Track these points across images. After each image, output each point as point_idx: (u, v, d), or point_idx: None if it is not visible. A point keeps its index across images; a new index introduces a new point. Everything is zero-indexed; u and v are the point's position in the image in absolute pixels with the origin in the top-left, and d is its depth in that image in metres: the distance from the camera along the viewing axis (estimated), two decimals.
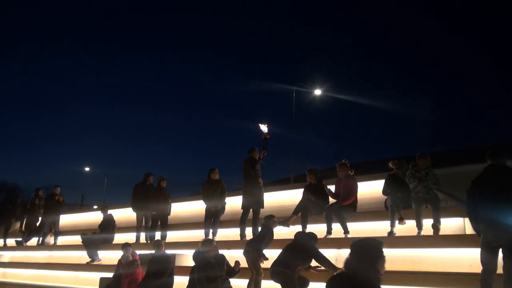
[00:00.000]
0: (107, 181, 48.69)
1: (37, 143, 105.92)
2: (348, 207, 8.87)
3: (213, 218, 10.89)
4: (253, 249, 7.73)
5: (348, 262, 3.11)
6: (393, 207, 8.17)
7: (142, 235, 12.57)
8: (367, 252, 3.10)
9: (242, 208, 10.24)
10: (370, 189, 9.84)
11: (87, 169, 51.37)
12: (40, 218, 15.77)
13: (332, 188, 9.37)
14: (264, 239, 7.86)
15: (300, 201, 9.38)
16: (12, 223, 17.17)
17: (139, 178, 12.83)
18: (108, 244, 12.99)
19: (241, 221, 10.21)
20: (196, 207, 13.27)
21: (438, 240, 7.33)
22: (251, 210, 10.20)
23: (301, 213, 9.23)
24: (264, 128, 10.37)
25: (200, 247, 7.90)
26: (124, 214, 14.56)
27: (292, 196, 10.91)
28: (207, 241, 8.06)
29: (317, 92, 28.00)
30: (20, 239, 16.16)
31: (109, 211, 13.77)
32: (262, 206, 10.13)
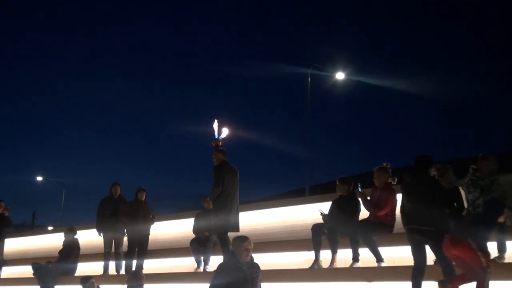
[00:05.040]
0: (65, 194, 48.43)
1: None
2: (380, 227, 8.88)
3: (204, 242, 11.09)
4: None
5: None
6: None
7: (112, 265, 12.58)
8: None
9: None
10: None
11: (39, 178, 50.56)
12: None
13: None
14: None
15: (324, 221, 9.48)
16: None
17: (105, 191, 12.94)
18: (69, 276, 12.98)
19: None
20: (182, 229, 13.16)
21: (500, 270, 7.24)
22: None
23: (329, 237, 9.22)
24: (220, 131, 10.66)
25: None
26: (89, 238, 14.41)
27: (307, 213, 10.89)
28: None
29: (339, 75, 27.73)
30: None
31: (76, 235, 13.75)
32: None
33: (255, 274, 7.35)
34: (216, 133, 10.68)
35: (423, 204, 7.62)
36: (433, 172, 8.54)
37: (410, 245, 7.72)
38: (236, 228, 10.15)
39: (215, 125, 10.71)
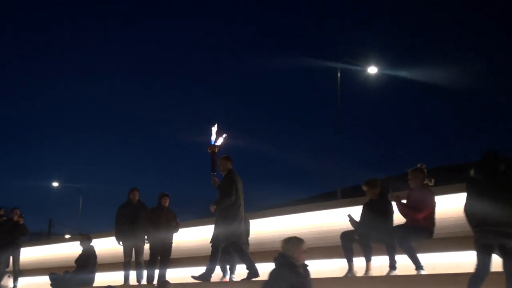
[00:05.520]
0: (82, 200, 48.32)
1: None
2: (419, 232, 8.76)
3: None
4: None
5: None
6: None
7: (132, 274, 12.53)
8: None
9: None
10: (453, 206, 9.37)
11: (55, 184, 50.16)
12: None
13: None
14: None
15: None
16: None
17: (123, 196, 12.88)
18: (87, 286, 12.97)
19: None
20: (207, 235, 12.46)
21: None
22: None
23: (361, 244, 9.09)
24: (217, 138, 10.61)
25: None
26: (108, 246, 14.42)
27: (339, 218, 10.63)
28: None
29: (372, 70, 27.21)
30: None
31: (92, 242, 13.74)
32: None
33: (309, 276, 7.05)
34: (213, 138, 10.63)
35: (499, 203, 7.23)
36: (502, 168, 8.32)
37: (477, 250, 7.26)
38: (246, 239, 10.39)
39: (214, 129, 10.68)
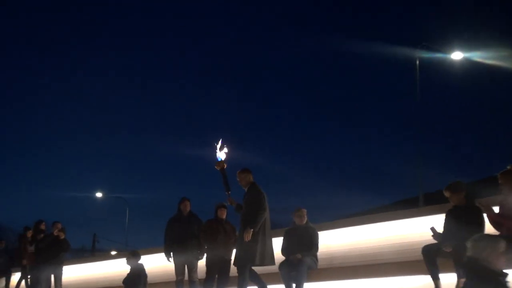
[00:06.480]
0: (129, 212, 48.14)
1: (20, 164, 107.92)
2: None
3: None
4: None
5: None
6: None
7: None
8: None
9: None
10: None
11: (98, 195, 49.12)
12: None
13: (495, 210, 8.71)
14: None
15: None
16: None
17: (173, 207, 12.79)
18: None
19: None
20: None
21: None
22: None
23: (453, 258, 8.35)
24: (220, 152, 10.48)
25: None
26: (157, 264, 14.26)
27: (422, 228, 10.02)
28: None
29: (456, 55, 25.93)
30: None
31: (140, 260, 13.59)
32: None
33: None
34: (218, 154, 10.51)
35: None
36: None
37: None
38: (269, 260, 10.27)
39: (218, 145, 10.57)
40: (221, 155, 10.48)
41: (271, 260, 10.23)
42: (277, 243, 11.23)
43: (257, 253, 10.05)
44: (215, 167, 10.42)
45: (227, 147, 10.59)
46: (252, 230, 9.96)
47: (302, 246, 10.49)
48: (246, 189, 10.39)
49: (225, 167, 10.43)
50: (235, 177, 10.42)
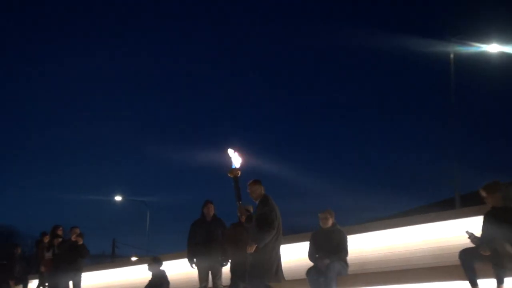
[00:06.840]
0: (150, 216, 48.02)
1: (37, 167, 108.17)
2: None
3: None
4: None
5: None
6: None
7: None
8: None
9: None
10: None
11: (118, 198, 48.20)
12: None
13: None
14: None
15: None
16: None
17: (197, 211, 12.73)
18: None
19: None
20: (296, 255, 12.46)
21: None
22: None
23: (492, 262, 8.18)
24: (234, 158, 10.23)
25: None
26: (180, 270, 14.25)
27: (459, 231, 9.88)
28: None
29: (493, 48, 25.54)
30: None
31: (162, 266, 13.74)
32: None
33: None
34: (232, 160, 10.21)
35: None
36: None
37: None
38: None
39: (231, 151, 10.31)
40: (236, 162, 10.28)
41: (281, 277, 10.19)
42: (304, 248, 11.22)
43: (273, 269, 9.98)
44: (228, 174, 10.22)
45: (243, 154, 10.42)
46: (255, 245, 9.88)
47: (329, 251, 10.34)
48: (257, 202, 10.23)
49: (239, 174, 10.22)
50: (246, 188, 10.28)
